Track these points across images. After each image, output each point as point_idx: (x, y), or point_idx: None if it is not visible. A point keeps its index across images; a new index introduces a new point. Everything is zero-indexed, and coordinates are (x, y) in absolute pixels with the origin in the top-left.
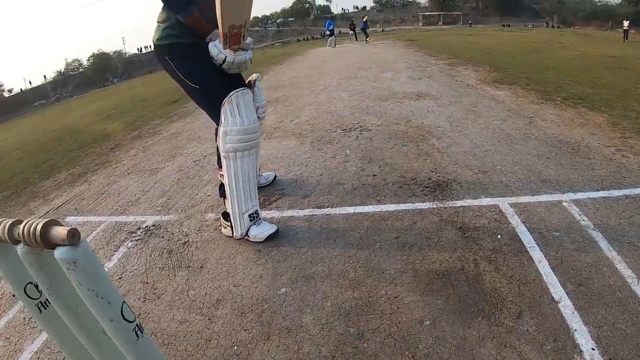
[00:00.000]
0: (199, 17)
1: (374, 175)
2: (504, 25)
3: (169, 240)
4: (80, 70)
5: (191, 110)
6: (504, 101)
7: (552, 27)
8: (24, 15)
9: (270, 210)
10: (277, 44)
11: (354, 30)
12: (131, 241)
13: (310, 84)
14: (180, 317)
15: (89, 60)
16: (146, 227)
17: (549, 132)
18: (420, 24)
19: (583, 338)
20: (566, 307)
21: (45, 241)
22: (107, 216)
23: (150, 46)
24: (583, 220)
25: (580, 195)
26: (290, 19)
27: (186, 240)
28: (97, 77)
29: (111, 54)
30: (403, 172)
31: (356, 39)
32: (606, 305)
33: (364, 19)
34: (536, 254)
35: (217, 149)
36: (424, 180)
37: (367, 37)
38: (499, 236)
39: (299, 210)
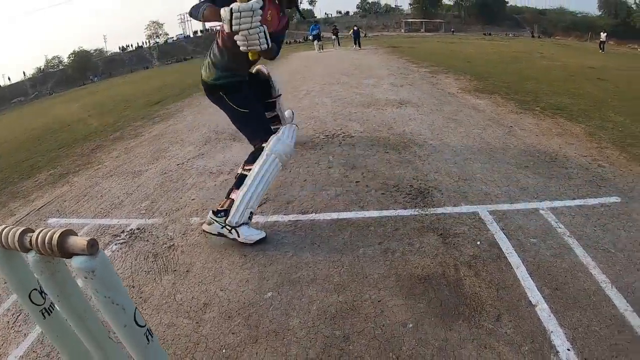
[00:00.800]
0: (212, 8)
1: (357, 182)
2: (485, 34)
3: (154, 244)
4: (61, 67)
5: (173, 112)
6: (484, 110)
7: (534, 36)
8: (3, 9)
9: (255, 215)
10: None
11: (336, 35)
12: (115, 244)
13: (294, 88)
14: (167, 320)
15: (69, 57)
16: (130, 230)
17: (528, 141)
18: (402, 30)
19: (559, 339)
20: (543, 310)
21: (62, 250)
22: (90, 219)
23: (131, 45)
24: (559, 227)
25: (557, 203)
26: None
27: (171, 244)
28: (78, 75)
29: (92, 52)
30: (385, 179)
31: (339, 44)
32: (581, 308)
33: (355, 27)
34: (514, 259)
35: (256, 150)
36: (406, 188)
37: (356, 42)
38: (478, 242)
39: (284, 216)
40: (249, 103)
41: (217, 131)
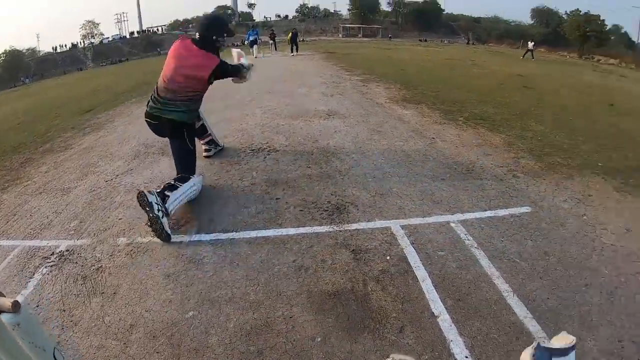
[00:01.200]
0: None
1: (277, 199)
2: (421, 40)
3: (82, 266)
4: None
5: (104, 122)
6: (409, 121)
7: (469, 43)
8: None
9: (178, 235)
10: None
11: (274, 40)
12: (45, 267)
13: (226, 95)
14: (97, 343)
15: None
16: (60, 252)
17: (447, 153)
18: (340, 35)
19: (458, 347)
20: (444, 321)
21: None
22: (20, 240)
23: (65, 45)
24: (468, 239)
25: (468, 216)
26: None
27: (99, 265)
28: (8, 76)
29: (24, 51)
30: (305, 195)
31: (276, 49)
32: (482, 317)
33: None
34: (421, 272)
35: (181, 177)
36: (324, 204)
37: (293, 49)
38: (388, 257)
39: (205, 235)
40: (194, 143)
41: (146, 144)
